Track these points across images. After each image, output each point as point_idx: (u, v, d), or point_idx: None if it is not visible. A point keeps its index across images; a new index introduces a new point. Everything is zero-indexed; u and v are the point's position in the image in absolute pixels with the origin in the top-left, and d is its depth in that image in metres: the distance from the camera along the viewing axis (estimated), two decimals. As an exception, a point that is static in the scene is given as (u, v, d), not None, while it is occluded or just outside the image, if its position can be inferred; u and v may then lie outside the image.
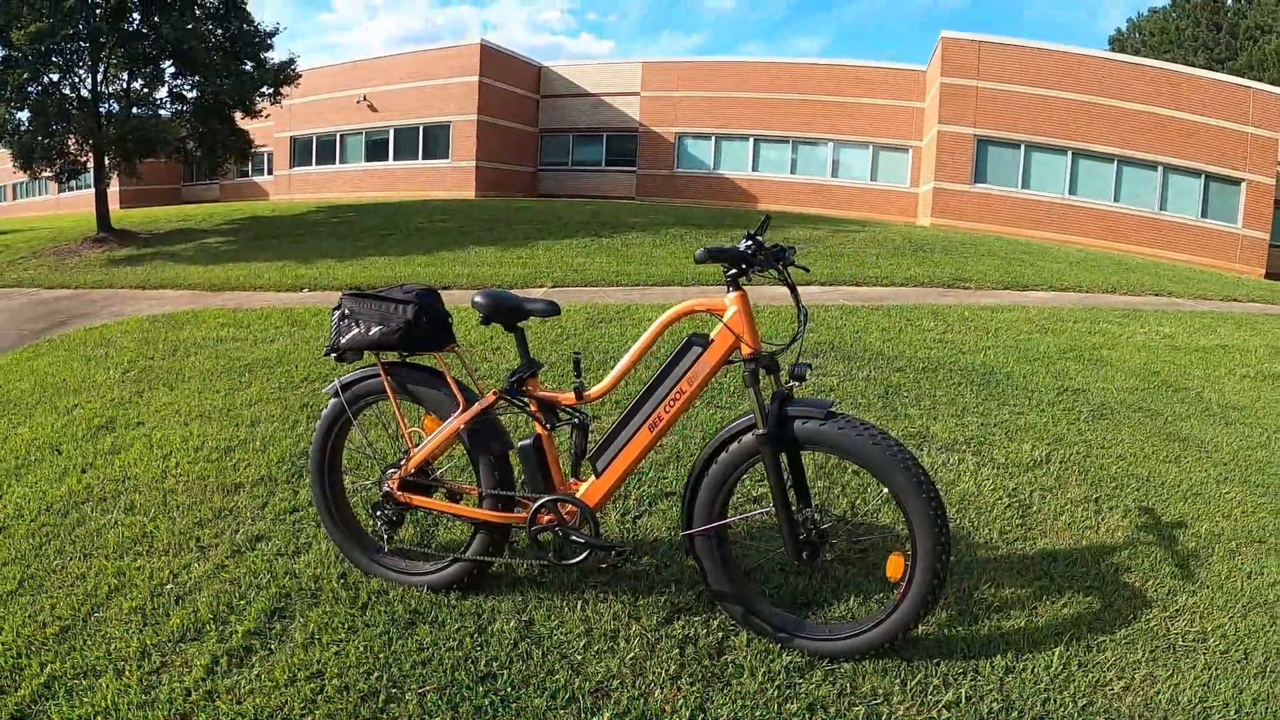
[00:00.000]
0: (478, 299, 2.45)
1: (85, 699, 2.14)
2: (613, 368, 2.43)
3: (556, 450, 2.52)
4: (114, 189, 18.20)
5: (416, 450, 2.58)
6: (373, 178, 27.57)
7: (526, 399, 2.46)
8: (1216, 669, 2.38)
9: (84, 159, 15.31)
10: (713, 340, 2.31)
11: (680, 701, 2.13)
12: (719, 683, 2.21)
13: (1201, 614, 2.67)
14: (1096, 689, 2.26)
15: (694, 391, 2.32)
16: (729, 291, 2.30)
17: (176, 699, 2.13)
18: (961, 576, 2.77)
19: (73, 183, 16.83)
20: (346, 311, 2.55)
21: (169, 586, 2.69)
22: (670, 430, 2.51)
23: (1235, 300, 11.21)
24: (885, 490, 2.21)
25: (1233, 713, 2.19)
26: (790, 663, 2.29)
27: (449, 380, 2.53)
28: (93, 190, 16.16)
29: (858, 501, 3.31)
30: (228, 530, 3.09)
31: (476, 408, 2.47)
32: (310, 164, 29.56)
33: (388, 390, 2.58)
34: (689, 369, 2.32)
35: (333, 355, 2.60)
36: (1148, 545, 3.15)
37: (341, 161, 28.83)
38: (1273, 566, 3.06)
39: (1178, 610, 2.69)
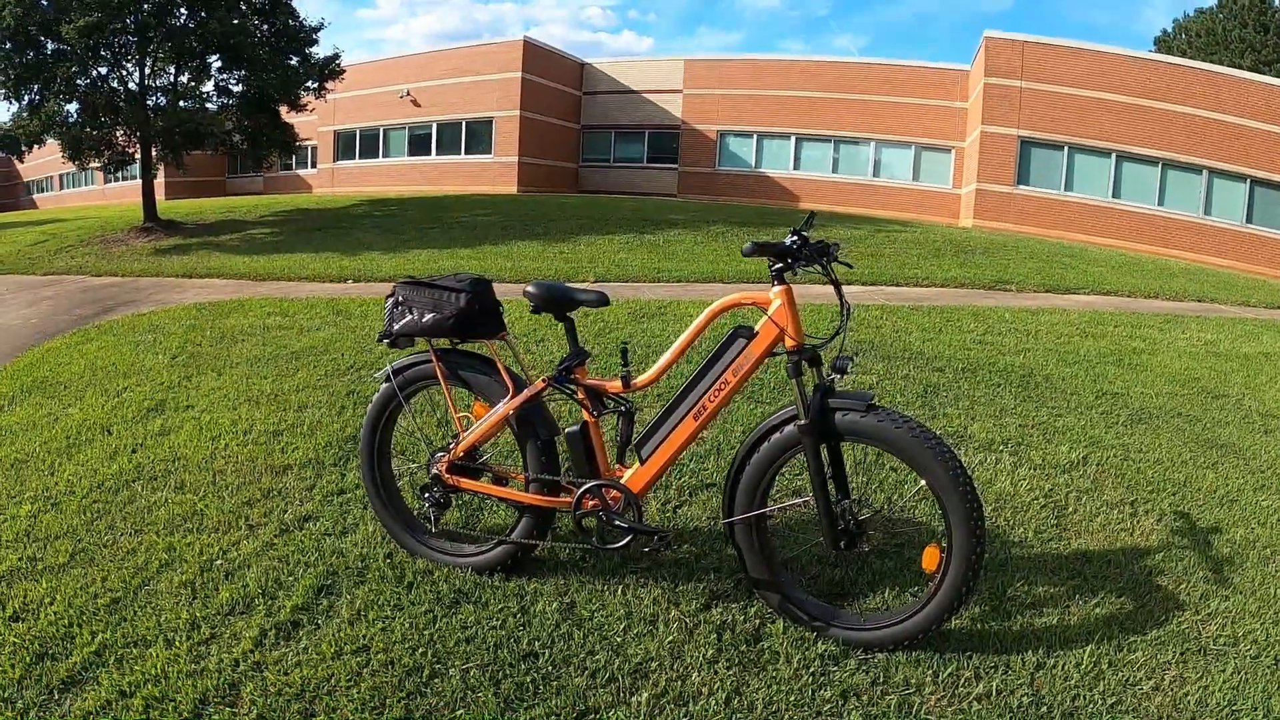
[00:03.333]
0: (530, 289, 2.52)
1: (135, 667, 2.21)
2: (656, 360, 2.50)
3: (602, 437, 2.58)
4: (160, 180, 18.52)
5: (466, 434, 2.65)
6: (415, 172, 27.82)
7: (574, 386, 2.53)
8: (1246, 673, 2.38)
9: (132, 151, 15.58)
10: (757, 333, 2.36)
11: (716, 684, 2.18)
12: (755, 668, 2.27)
13: (1233, 619, 2.67)
14: (1126, 688, 2.28)
15: (738, 382, 2.38)
16: (774, 285, 2.35)
17: (225, 669, 2.20)
18: (996, 573, 2.79)
19: (119, 174, 17.11)
20: (401, 299, 2.63)
21: (218, 562, 2.77)
22: (713, 421, 2.55)
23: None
24: (922, 483, 2.25)
25: (1261, 717, 2.19)
26: (825, 651, 2.33)
27: (500, 367, 2.60)
28: (139, 181, 16.47)
29: (894, 496, 3.35)
30: (276, 510, 3.17)
31: (526, 394, 2.54)
32: (353, 158, 29.90)
33: (439, 375, 2.65)
34: (734, 360, 2.37)
35: (385, 341, 2.68)
36: (1182, 549, 3.15)
37: (384, 156, 29.12)
38: (1309, 573, 3.05)
39: (1210, 614, 2.69)
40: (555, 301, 2.53)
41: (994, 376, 5.31)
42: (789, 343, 2.32)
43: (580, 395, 2.53)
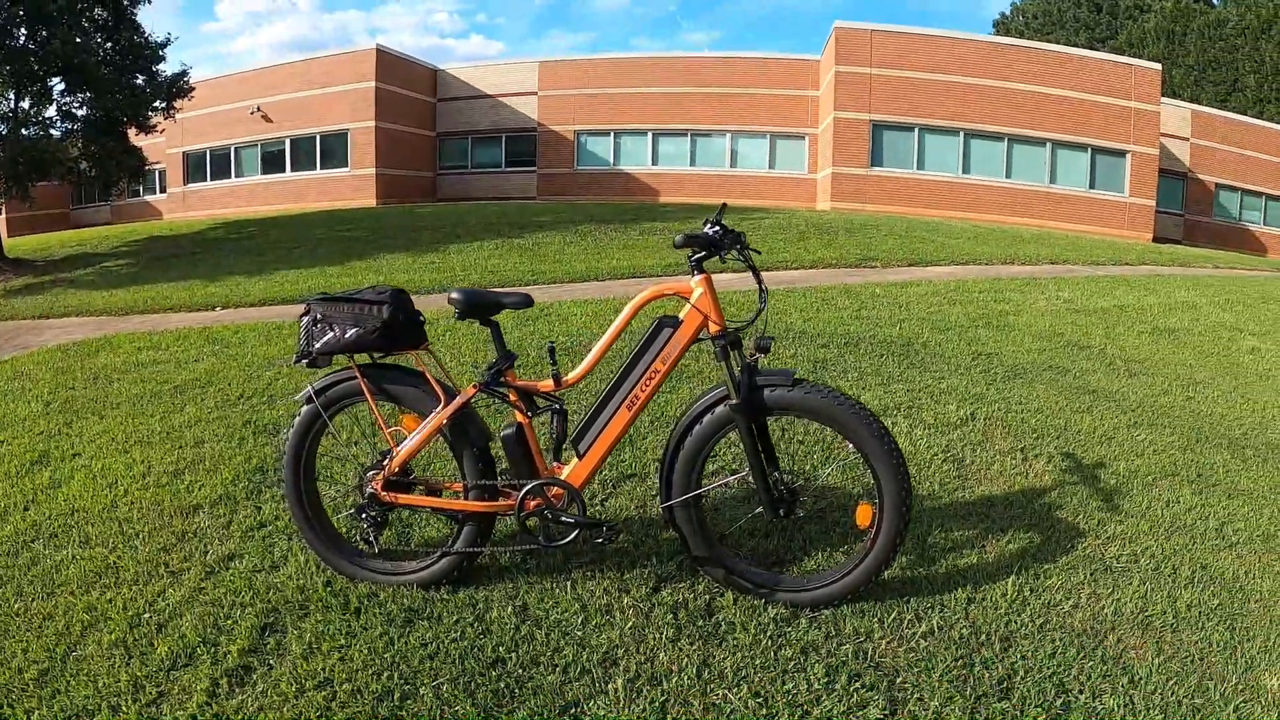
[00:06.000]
0: (454, 294, 2.50)
1: None
2: (572, 359, 2.55)
3: (537, 437, 2.60)
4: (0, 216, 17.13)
5: (400, 448, 2.61)
6: (271, 190, 26.68)
7: (506, 389, 2.54)
8: (1150, 584, 2.68)
9: (-27, 184, 14.38)
10: (682, 321, 2.46)
11: (685, 660, 2.27)
12: (715, 639, 2.36)
13: (1130, 539, 2.99)
14: (1049, 609, 2.53)
15: (666, 370, 2.46)
16: (694, 275, 2.45)
17: None
18: (913, 525, 2.98)
19: (-50, 211, 15.77)
20: (319, 316, 2.54)
21: (147, 615, 2.60)
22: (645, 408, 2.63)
23: (1127, 264, 12.00)
24: (850, 446, 2.40)
25: (1170, 618, 2.49)
26: (777, 615, 2.46)
27: (429, 377, 2.58)
28: (-25, 219, 15.23)
29: (806, 466, 3.51)
30: (196, 553, 3.00)
31: (458, 401, 2.53)
32: (205, 179, 28.39)
33: (365, 392, 2.59)
34: (661, 349, 2.45)
35: (304, 361, 2.59)
36: (1074, 485, 3.46)
37: (237, 175, 27.79)
38: (1187, 495, 3.42)
39: (1109, 538, 3.00)
40: (480, 305, 2.53)
41: (876, 348, 5.59)
42: (713, 328, 2.43)
43: (513, 397, 2.54)
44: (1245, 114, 27.64)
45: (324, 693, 2.18)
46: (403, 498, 2.66)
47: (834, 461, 3.51)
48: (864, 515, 2.42)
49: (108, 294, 10.55)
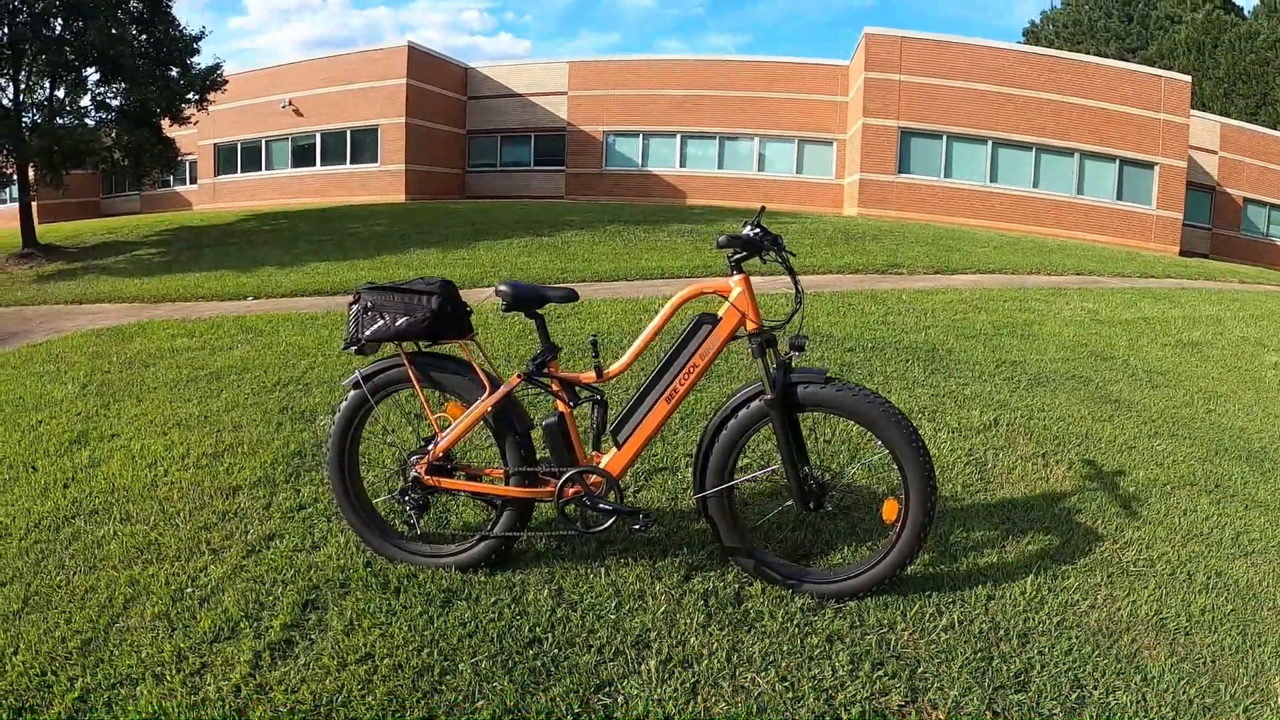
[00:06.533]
0: (501, 288, 2.61)
1: (128, 707, 2.13)
2: (601, 357, 2.66)
3: (577, 426, 2.70)
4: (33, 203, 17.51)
5: (445, 434, 2.71)
6: (300, 183, 27.00)
7: (549, 380, 2.65)
8: (1166, 588, 2.77)
9: (9, 172, 14.73)
10: (721, 318, 2.56)
11: (715, 645, 2.36)
12: (744, 626, 2.46)
13: (1147, 545, 3.07)
14: (1067, 608, 2.62)
15: (705, 365, 2.57)
16: (733, 274, 2.56)
17: (227, 696, 2.15)
18: (937, 524, 3.07)
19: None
20: (369, 305, 2.64)
21: (189, 590, 2.68)
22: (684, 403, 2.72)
23: (1152, 277, 11.94)
24: (879, 443, 2.50)
25: (1184, 621, 2.58)
26: (803, 605, 2.55)
27: (474, 366, 2.69)
28: (10, 206, 15.54)
29: (832, 464, 3.60)
30: (237, 532, 3.08)
31: (503, 390, 2.64)
32: (235, 171, 28.76)
33: (412, 379, 2.69)
34: (700, 345, 2.56)
35: (352, 348, 2.69)
36: (1093, 491, 3.54)
37: (267, 168, 28.12)
38: (1204, 504, 3.48)
39: (1127, 542, 3.08)
40: (527, 299, 2.63)
41: (901, 353, 5.66)
42: (750, 326, 2.53)
43: (555, 388, 2.64)
44: (1275, 128, 27.38)
45: (365, 666, 2.26)
46: (445, 482, 2.75)
47: (860, 460, 3.60)
48: (890, 510, 2.51)
49: (140, 281, 10.74)
